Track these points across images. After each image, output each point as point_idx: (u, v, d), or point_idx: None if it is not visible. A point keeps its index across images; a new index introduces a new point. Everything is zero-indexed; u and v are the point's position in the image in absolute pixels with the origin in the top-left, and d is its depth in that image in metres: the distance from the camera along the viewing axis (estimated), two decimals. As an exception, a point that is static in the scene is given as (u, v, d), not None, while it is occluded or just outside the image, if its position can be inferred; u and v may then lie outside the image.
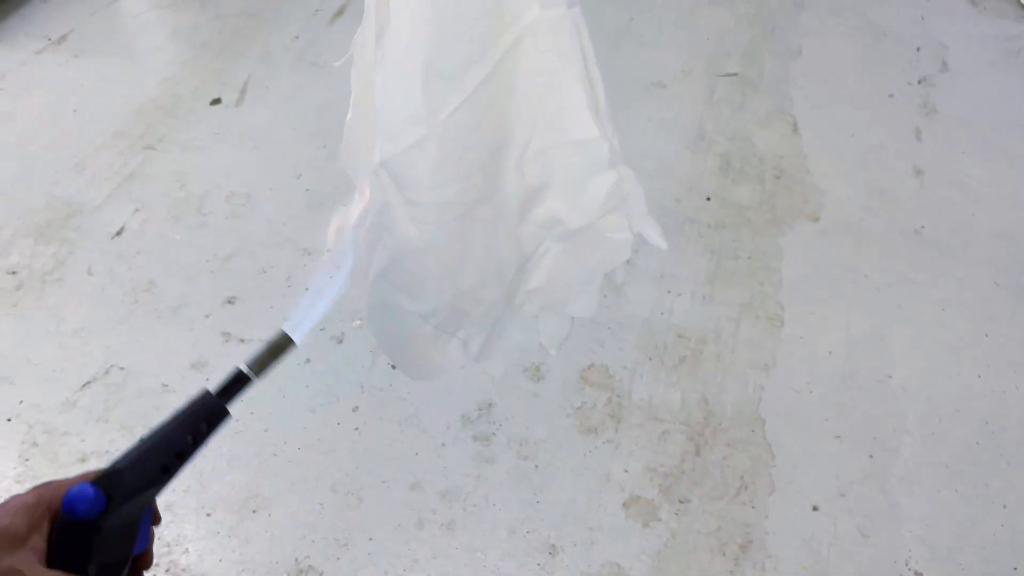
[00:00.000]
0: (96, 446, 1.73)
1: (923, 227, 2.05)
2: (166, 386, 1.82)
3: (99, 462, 1.69)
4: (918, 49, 2.57)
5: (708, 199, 2.16)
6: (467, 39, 0.74)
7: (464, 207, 0.82)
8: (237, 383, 0.73)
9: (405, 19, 0.72)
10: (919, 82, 2.46)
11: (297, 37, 2.76)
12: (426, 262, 0.85)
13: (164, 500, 1.60)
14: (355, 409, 1.77)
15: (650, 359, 1.83)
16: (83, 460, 1.70)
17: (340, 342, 1.89)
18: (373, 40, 0.77)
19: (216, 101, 2.52)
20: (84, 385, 1.83)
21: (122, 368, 1.86)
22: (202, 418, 0.71)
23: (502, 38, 0.75)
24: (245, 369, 0.73)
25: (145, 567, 0.68)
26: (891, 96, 2.43)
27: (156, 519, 0.70)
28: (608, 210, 0.85)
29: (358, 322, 1.92)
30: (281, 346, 0.76)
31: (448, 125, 0.76)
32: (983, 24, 2.64)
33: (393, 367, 1.83)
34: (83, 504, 0.59)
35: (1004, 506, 1.58)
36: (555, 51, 0.76)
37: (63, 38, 2.81)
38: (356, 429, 1.74)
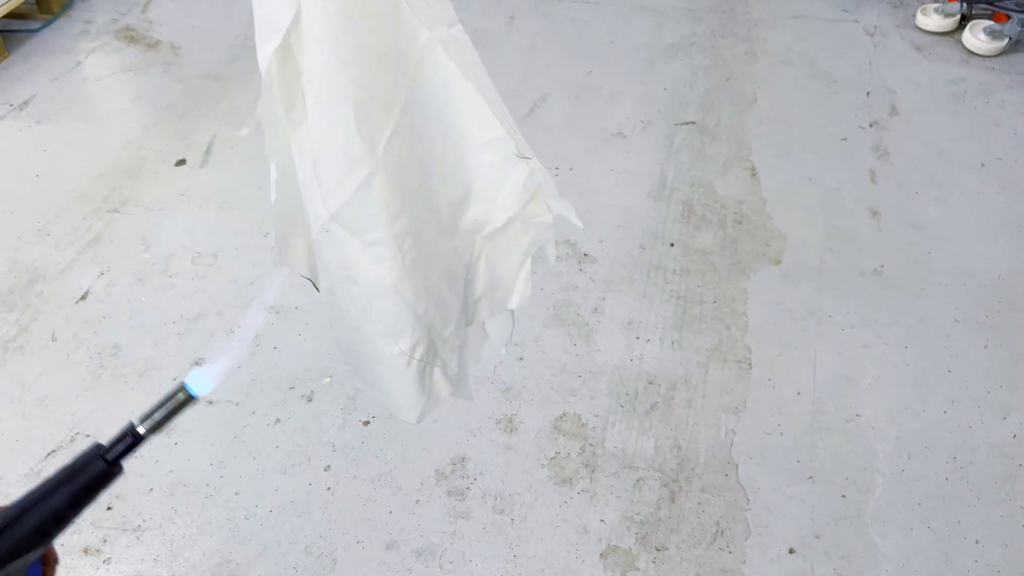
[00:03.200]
0: (61, 517, 1.69)
1: (882, 267, 2.10)
2: (133, 452, 1.79)
3: (64, 533, 1.65)
4: (868, 94, 2.65)
5: (672, 245, 2.20)
6: (382, 70, 0.77)
7: (416, 233, 0.85)
8: (130, 440, 0.68)
9: (322, 68, 0.74)
10: (870, 125, 2.53)
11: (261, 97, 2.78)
12: (400, 297, 0.86)
13: (133, 570, 1.57)
14: (327, 468, 1.75)
15: (622, 406, 1.84)
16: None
17: (310, 400, 1.88)
18: (281, 105, 0.78)
19: (181, 162, 2.52)
20: (49, 454, 1.79)
21: (88, 436, 1.83)
22: (88, 477, 0.66)
23: (407, 63, 0.78)
24: (139, 425, 0.68)
25: None
26: (844, 140, 2.49)
27: (51, 564, 0.69)
28: (527, 200, 0.90)
29: (327, 380, 1.91)
30: (181, 401, 0.71)
31: (387, 157, 0.79)
32: (929, 69, 2.73)
33: (366, 423, 1.82)
34: None
35: (976, 541, 1.59)
36: (449, 66, 0.80)
37: (25, 104, 2.80)
38: (329, 489, 1.72)
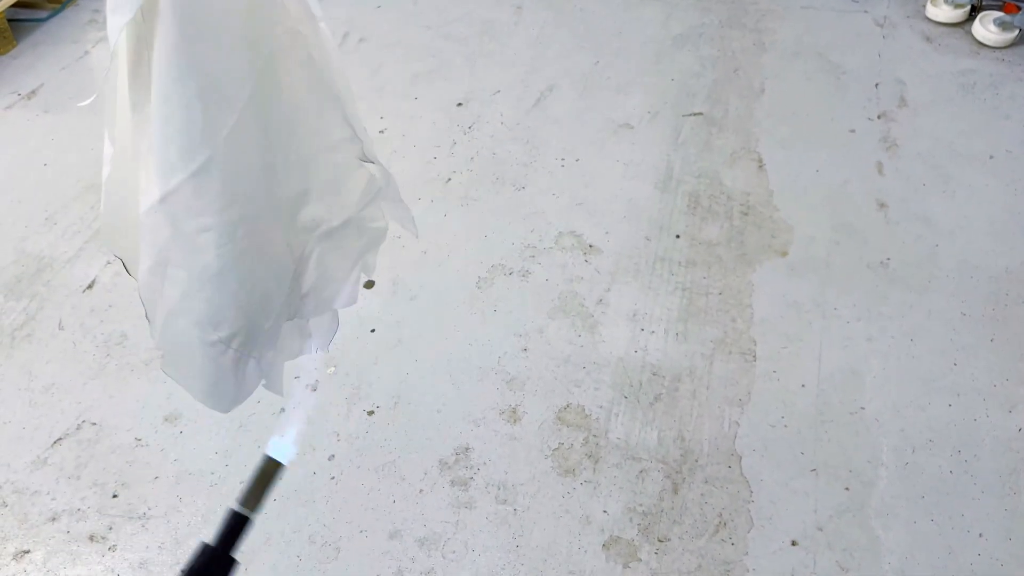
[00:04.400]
0: (67, 504, 1.70)
1: (889, 260, 2.09)
2: (139, 440, 1.80)
3: (70, 520, 1.67)
4: (876, 86, 2.63)
5: (678, 237, 2.19)
6: (235, 54, 0.76)
7: (250, 223, 0.84)
8: (236, 526, 0.67)
9: (172, 45, 0.73)
10: (879, 117, 2.52)
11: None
12: (226, 286, 0.85)
13: (138, 557, 1.58)
14: (331, 458, 1.76)
15: (626, 398, 1.84)
16: (54, 519, 1.67)
17: (314, 390, 1.88)
18: (126, 80, 0.77)
19: (187, 152, 2.52)
20: (55, 442, 1.81)
21: (94, 423, 1.84)
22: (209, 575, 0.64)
23: (260, 50, 0.78)
24: (240, 508, 0.68)
25: None
26: (852, 132, 2.48)
27: None
28: (366, 203, 0.91)
29: (331, 369, 1.92)
30: (270, 472, 0.73)
31: (228, 144, 0.78)
32: (938, 60, 2.72)
33: (371, 412, 1.82)
34: None
35: (980, 535, 1.59)
36: (306, 60, 0.79)
37: (33, 93, 2.81)
38: (332, 478, 1.73)
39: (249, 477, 0.71)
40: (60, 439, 1.81)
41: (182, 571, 0.66)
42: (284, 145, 0.84)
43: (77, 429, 1.83)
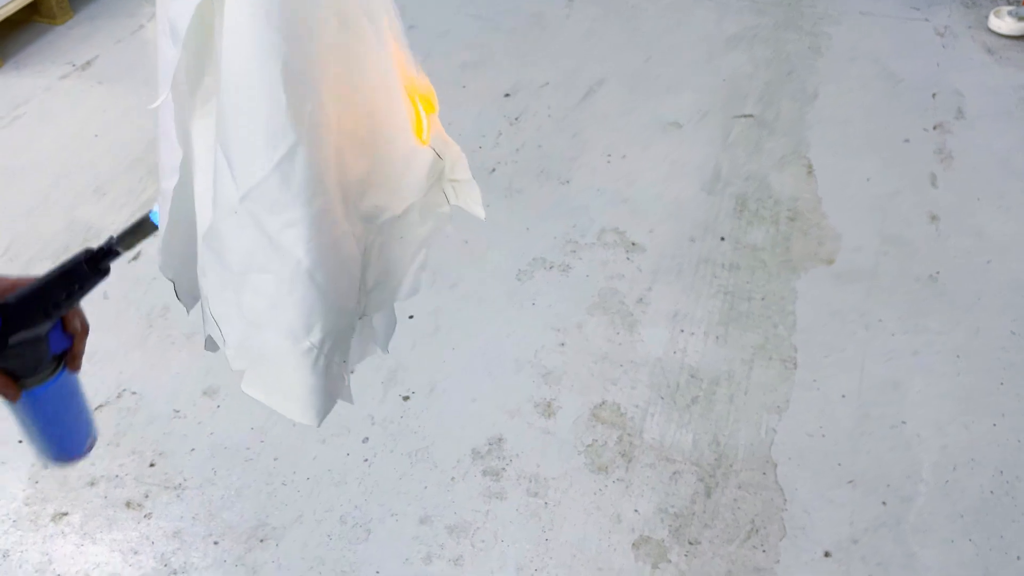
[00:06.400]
0: (106, 470, 1.73)
1: (938, 274, 2.05)
2: (177, 412, 1.82)
3: (108, 486, 1.70)
4: (934, 95, 2.58)
5: (722, 239, 2.17)
6: (314, 34, 0.70)
7: (330, 215, 0.77)
8: (107, 255, 0.81)
9: (249, 20, 0.66)
10: (934, 128, 2.47)
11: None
12: (315, 285, 0.78)
13: (173, 526, 1.60)
14: (365, 440, 1.77)
15: (662, 398, 1.82)
16: (92, 484, 1.70)
17: (352, 371, 1.89)
18: (190, 72, 0.72)
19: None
20: (96, 409, 1.83)
21: (134, 393, 1.86)
22: (77, 279, 0.80)
23: (330, 27, 0.72)
24: (116, 243, 0.81)
25: (72, 367, 0.86)
26: (907, 141, 2.43)
27: (80, 333, 0.85)
28: (430, 186, 0.85)
29: (371, 353, 1.92)
30: (145, 229, 0.81)
31: (311, 127, 0.72)
32: (999, 73, 2.66)
33: (406, 398, 1.83)
34: None
35: (1018, 557, 1.55)
36: (370, 35, 0.74)
37: (88, 64, 2.85)
38: (366, 461, 1.74)
39: (129, 223, 0.81)
40: (101, 406, 1.84)
41: (56, 268, 0.79)
42: (352, 125, 0.78)
43: (118, 398, 1.86)
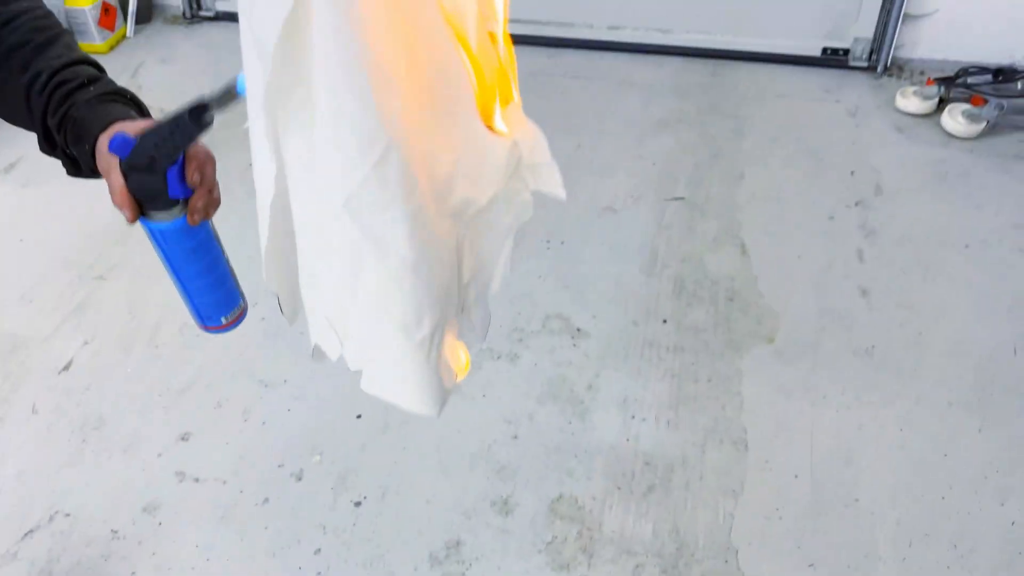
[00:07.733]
0: (38, 602, 1.62)
1: (874, 347, 2.11)
2: (115, 532, 1.73)
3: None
4: (852, 173, 2.70)
5: (664, 322, 2.20)
6: (395, 34, 0.71)
7: (426, 210, 0.80)
8: (204, 110, 0.85)
9: (336, 30, 0.68)
10: (856, 204, 2.57)
11: (250, 165, 2.77)
12: (422, 276, 0.81)
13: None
14: (317, 552, 1.70)
15: (619, 488, 1.81)
16: (23, 619, 1.59)
17: (299, 479, 1.83)
18: (284, 89, 0.73)
19: (169, 229, 2.49)
20: (26, 534, 1.73)
21: (68, 514, 1.76)
22: (179, 128, 0.87)
23: (425, 28, 0.74)
24: (207, 102, 0.85)
25: (191, 220, 0.95)
26: (832, 218, 2.53)
27: (197, 184, 0.94)
28: (510, 174, 0.87)
29: (317, 458, 1.87)
30: (231, 95, 0.83)
31: (400, 128, 0.73)
32: (911, 150, 2.80)
33: (358, 503, 1.77)
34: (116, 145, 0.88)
35: (980, 632, 1.57)
36: (442, 31, 0.76)
37: (11, 167, 2.77)
38: (319, 574, 1.66)
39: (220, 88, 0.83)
40: (31, 531, 1.73)
41: (162, 119, 0.87)
42: (431, 123, 0.79)
43: (50, 520, 1.75)
